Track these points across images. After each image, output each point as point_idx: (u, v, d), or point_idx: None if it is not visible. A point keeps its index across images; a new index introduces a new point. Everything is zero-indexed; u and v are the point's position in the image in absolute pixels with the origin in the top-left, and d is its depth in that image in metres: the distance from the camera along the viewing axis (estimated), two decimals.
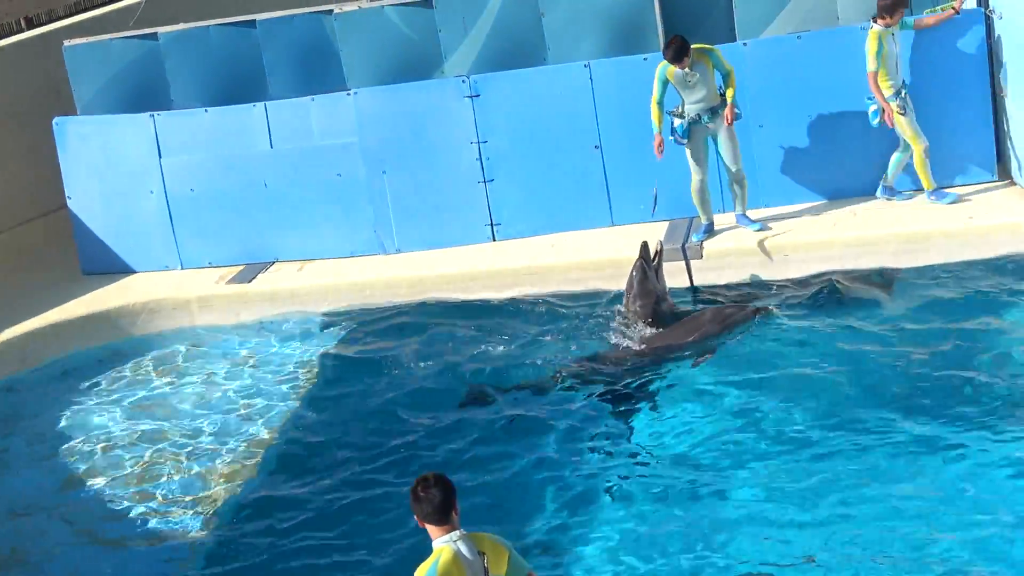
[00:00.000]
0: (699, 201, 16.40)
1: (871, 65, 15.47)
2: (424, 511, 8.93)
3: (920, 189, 16.17)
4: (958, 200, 15.99)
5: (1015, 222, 15.64)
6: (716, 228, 16.51)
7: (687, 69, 15.80)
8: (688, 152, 16.20)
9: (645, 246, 15.38)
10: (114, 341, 17.14)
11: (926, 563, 11.29)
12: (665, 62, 15.85)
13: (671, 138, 16.14)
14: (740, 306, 15.27)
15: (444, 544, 8.89)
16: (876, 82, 15.55)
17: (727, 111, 15.91)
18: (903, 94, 15.67)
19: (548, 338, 15.70)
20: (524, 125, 17.12)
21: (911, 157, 15.90)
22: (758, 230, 16.36)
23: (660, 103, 15.93)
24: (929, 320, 14.76)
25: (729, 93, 15.92)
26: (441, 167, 17.34)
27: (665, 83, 15.91)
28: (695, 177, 16.28)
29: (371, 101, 17.40)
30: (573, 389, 14.53)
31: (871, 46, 15.43)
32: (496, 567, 9.03)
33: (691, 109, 16.01)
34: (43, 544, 13.06)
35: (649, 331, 15.03)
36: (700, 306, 15.91)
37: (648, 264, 15.37)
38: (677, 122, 16.05)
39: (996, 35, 15.94)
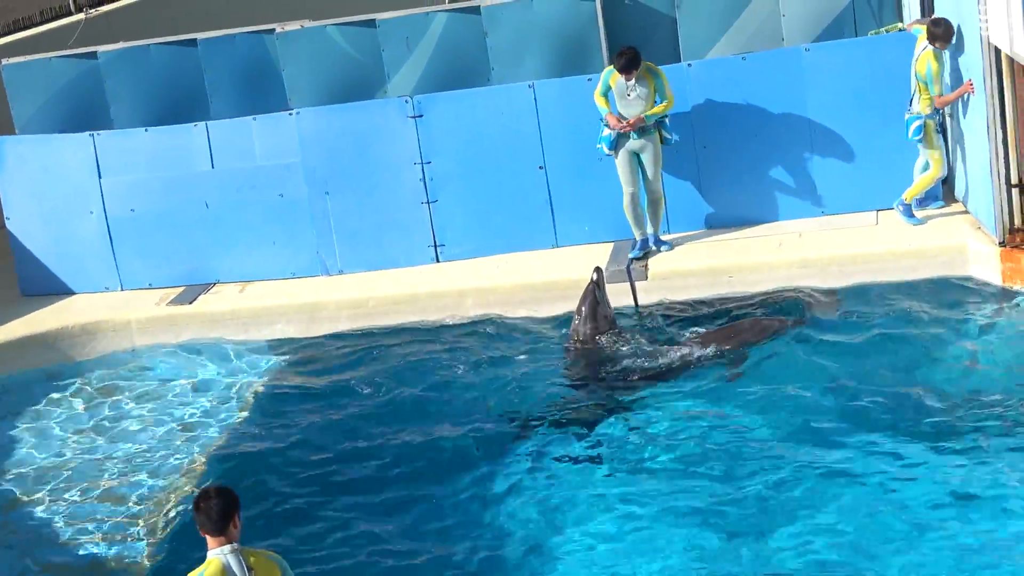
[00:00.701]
0: (631, 217, 16.47)
1: (936, 88, 15.43)
2: (201, 522, 9.26)
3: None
4: (922, 223, 16.09)
5: (958, 244, 15.73)
6: (663, 249, 16.54)
7: (631, 82, 15.88)
8: (618, 168, 16.30)
9: (599, 271, 15.48)
10: (53, 363, 17.00)
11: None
12: (610, 68, 16.05)
13: (598, 146, 16.28)
14: (777, 318, 15.27)
15: (215, 556, 9.24)
16: (943, 99, 15.62)
17: (635, 119, 16.00)
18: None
19: (495, 358, 15.74)
20: (468, 145, 17.09)
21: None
22: (667, 251, 16.52)
23: (604, 96, 16.13)
24: (868, 341, 14.88)
25: (657, 109, 16.05)
26: (384, 188, 17.28)
27: (607, 87, 16.06)
28: (626, 192, 16.36)
29: (314, 121, 17.33)
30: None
31: (934, 68, 15.36)
32: None
33: (627, 118, 16.10)
34: None
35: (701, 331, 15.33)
36: (639, 325, 15.99)
37: (601, 289, 15.44)
38: (606, 132, 16.13)
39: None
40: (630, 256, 16.46)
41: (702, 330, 15.24)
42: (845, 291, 15.79)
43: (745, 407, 14.23)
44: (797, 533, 12.30)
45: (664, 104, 16.03)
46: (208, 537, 9.33)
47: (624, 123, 15.99)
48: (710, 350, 14.74)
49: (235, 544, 9.36)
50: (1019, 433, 13.09)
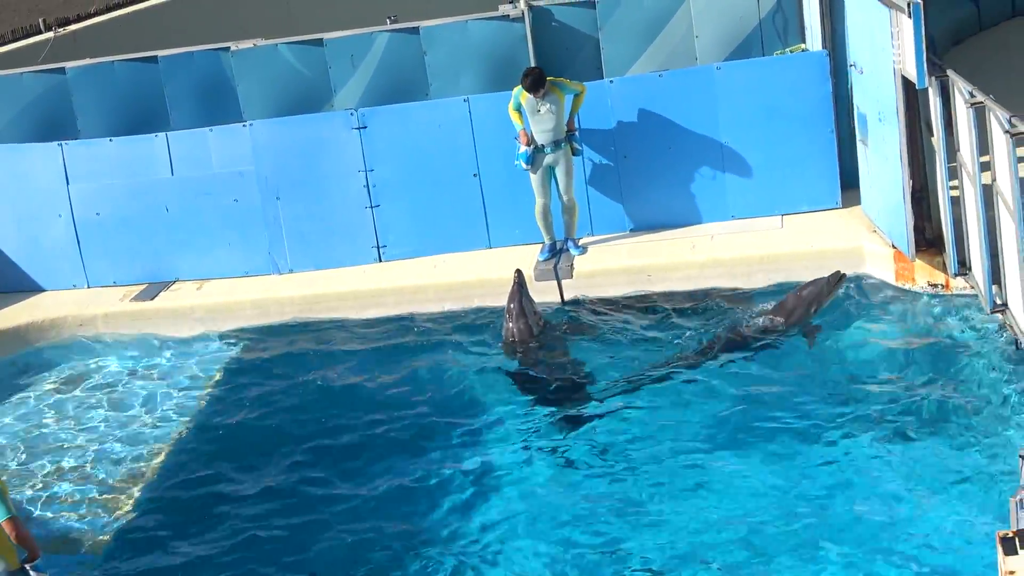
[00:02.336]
0: (542, 224, 16.63)
1: None
2: None
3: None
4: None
5: (855, 247, 15.98)
6: (577, 253, 16.66)
7: (539, 100, 16.00)
8: (532, 179, 16.39)
9: (519, 274, 15.64)
10: (22, 355, 17.05)
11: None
12: (520, 87, 16.07)
13: (515, 163, 16.38)
14: (814, 281, 15.22)
15: None
16: None
17: (565, 136, 16.21)
18: None
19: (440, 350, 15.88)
20: (408, 155, 17.15)
21: None
22: (581, 254, 16.62)
23: (517, 111, 16.20)
24: (773, 340, 15.05)
25: (577, 104, 16.27)
26: (331, 194, 17.33)
27: (519, 103, 16.15)
28: (538, 202, 16.50)
29: (266, 132, 17.36)
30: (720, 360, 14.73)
31: None
32: None
33: (537, 137, 16.19)
34: None
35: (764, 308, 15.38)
36: (569, 319, 16.18)
37: (524, 289, 15.61)
38: (522, 148, 16.23)
39: (850, 85, 16.16)
40: (538, 258, 16.60)
41: (767, 306, 15.29)
42: (753, 290, 15.92)
43: (669, 383, 14.44)
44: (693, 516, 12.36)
45: (579, 95, 16.19)
46: None
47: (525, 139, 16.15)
48: (780, 325, 14.92)
49: None
50: (892, 416, 13.29)
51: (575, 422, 14.26)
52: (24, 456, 14.87)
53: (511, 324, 15.60)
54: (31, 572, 10.45)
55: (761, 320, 15.10)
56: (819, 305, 15.07)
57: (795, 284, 15.66)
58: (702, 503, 12.57)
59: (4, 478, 12.82)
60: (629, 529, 12.38)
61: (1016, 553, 6.89)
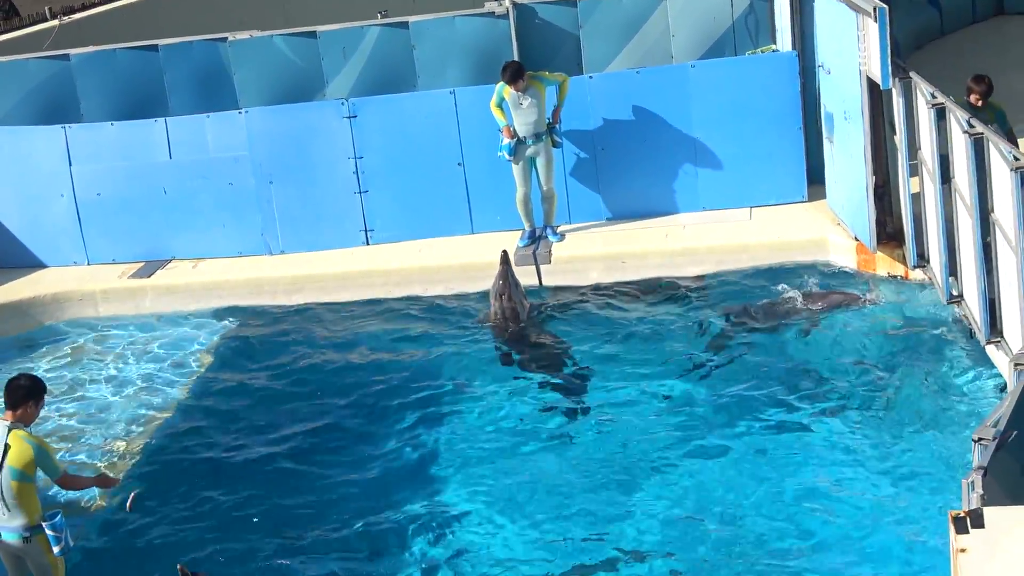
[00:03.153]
0: (522, 211, 16.76)
1: None
2: (5, 396, 10.36)
3: None
4: None
5: (819, 238, 16.14)
6: (555, 240, 16.80)
7: (520, 92, 16.12)
8: (513, 169, 16.52)
9: (505, 254, 15.68)
10: (25, 329, 17.07)
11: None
12: (502, 82, 16.18)
13: (499, 154, 16.48)
14: (844, 293, 15.27)
15: None
16: None
17: (547, 129, 16.32)
18: None
19: (420, 330, 15.93)
20: (396, 143, 17.24)
21: None
22: (558, 241, 16.75)
23: (500, 106, 16.29)
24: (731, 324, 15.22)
25: (562, 94, 16.36)
26: (322, 179, 17.41)
27: (501, 98, 16.25)
28: (519, 190, 16.64)
29: (260, 119, 17.43)
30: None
31: None
32: (14, 460, 10.13)
33: (519, 130, 16.30)
34: None
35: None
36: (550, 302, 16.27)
37: (510, 271, 15.69)
38: (505, 140, 16.32)
39: (818, 85, 16.27)
40: (518, 244, 16.68)
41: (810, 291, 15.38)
42: (721, 274, 16.05)
43: (644, 363, 14.53)
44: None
45: (562, 85, 16.27)
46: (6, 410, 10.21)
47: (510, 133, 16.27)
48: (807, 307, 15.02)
49: (13, 424, 10.22)
50: (859, 392, 13.46)
51: (559, 398, 14.40)
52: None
53: (497, 304, 15.66)
54: (47, 528, 10.55)
55: (797, 302, 15.23)
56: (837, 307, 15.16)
57: (764, 270, 15.96)
58: (671, 480, 12.69)
59: None
60: (602, 501, 12.49)
61: (967, 532, 7.01)
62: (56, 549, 10.46)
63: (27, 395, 10.41)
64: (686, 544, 11.77)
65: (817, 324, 14.88)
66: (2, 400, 10.70)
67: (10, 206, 17.98)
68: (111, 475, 10.77)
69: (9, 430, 10.23)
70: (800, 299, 15.18)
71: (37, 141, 17.81)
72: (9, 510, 10.37)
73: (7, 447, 10.18)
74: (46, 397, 13.10)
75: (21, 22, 19.86)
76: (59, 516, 10.42)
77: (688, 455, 13.03)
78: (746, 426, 13.34)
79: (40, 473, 10.39)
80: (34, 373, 15.53)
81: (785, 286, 15.46)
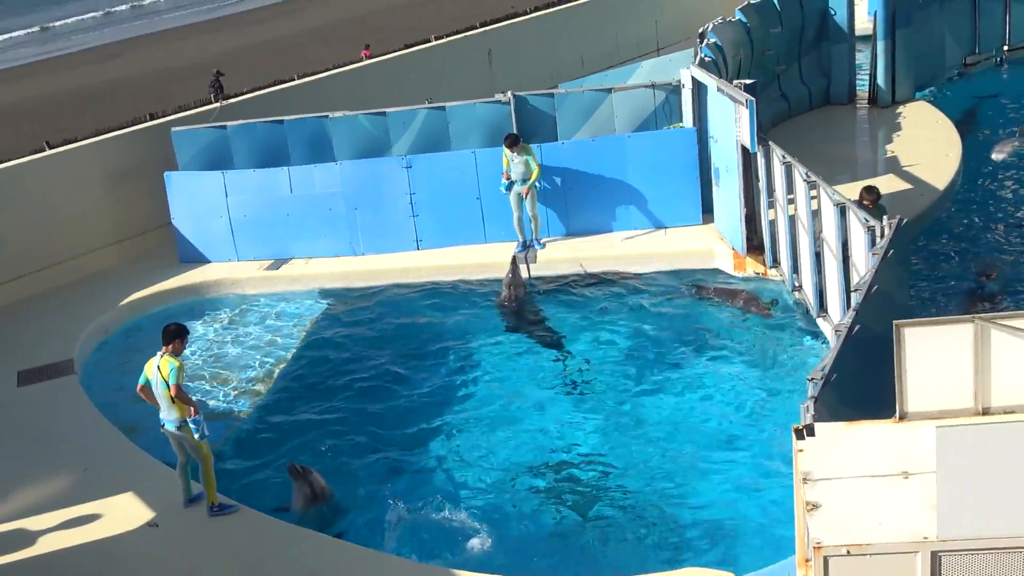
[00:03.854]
0: (517, 228, 16.61)
1: None
2: (163, 335, 10.63)
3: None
4: None
5: (709, 248, 16.05)
6: (538, 247, 16.63)
7: (514, 154, 16.10)
8: (510, 200, 16.43)
9: (514, 258, 15.84)
10: (196, 302, 17.00)
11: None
12: (505, 146, 16.22)
13: (500, 189, 16.41)
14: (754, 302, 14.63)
15: (154, 356, 10.60)
16: None
17: (524, 188, 16.22)
18: None
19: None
20: (437, 184, 17.13)
21: None
22: (541, 248, 16.58)
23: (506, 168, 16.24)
24: (652, 304, 15.14)
25: (533, 176, 16.17)
26: (388, 207, 17.29)
27: (504, 157, 16.21)
28: (514, 214, 16.52)
29: (349, 168, 17.35)
30: None
31: None
32: (165, 375, 10.54)
33: (513, 175, 16.26)
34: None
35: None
36: (537, 289, 16.11)
37: (517, 267, 15.69)
38: (504, 180, 16.32)
39: (709, 150, 16.20)
40: (515, 250, 16.48)
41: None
42: (646, 274, 15.87)
43: (597, 326, 14.57)
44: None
45: (535, 172, 16.10)
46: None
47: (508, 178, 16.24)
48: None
49: (166, 353, 10.57)
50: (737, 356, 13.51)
51: (542, 349, 14.50)
52: (199, 364, 15.00)
53: (506, 291, 15.60)
54: (190, 422, 10.71)
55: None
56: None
57: (675, 271, 15.80)
58: (620, 399, 12.82)
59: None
60: (561, 412, 12.67)
61: (803, 439, 7.12)
62: (197, 435, 10.66)
63: (174, 335, 10.71)
64: (621, 449, 11.86)
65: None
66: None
67: (188, 223, 17.90)
68: (194, 409, 10.75)
69: (162, 356, 10.50)
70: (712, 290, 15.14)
71: (205, 182, 17.76)
72: (167, 409, 10.62)
73: (158, 368, 10.52)
74: (205, 349, 13.22)
75: (225, 97, 19.85)
76: (199, 415, 10.72)
77: (625, 385, 13.13)
78: (661, 368, 13.43)
79: (176, 381, 10.63)
80: (199, 331, 15.80)
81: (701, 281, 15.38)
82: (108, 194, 18.06)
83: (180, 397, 10.63)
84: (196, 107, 19.11)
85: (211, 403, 13.84)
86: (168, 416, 10.79)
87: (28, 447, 12.80)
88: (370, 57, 22.85)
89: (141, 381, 10.83)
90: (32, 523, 11.17)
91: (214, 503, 10.91)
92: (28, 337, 15.71)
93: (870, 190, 13.65)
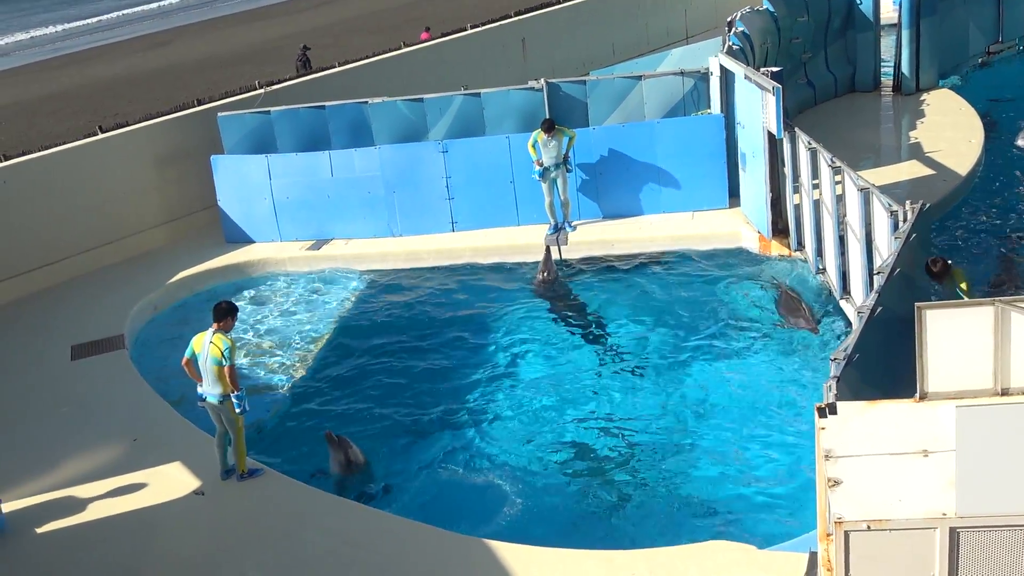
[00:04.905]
0: (549, 211, 16.58)
1: None
2: (215, 312, 10.62)
3: None
4: None
5: (735, 231, 15.96)
6: (570, 229, 16.57)
7: (549, 137, 16.02)
8: (542, 185, 16.39)
9: (548, 247, 15.87)
10: (242, 280, 17.07)
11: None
12: (539, 130, 16.15)
13: (533, 176, 16.35)
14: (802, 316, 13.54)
15: (205, 331, 10.58)
16: None
17: (563, 160, 16.13)
18: None
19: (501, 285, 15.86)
20: (472, 169, 17.11)
21: None
22: (572, 231, 16.53)
23: (534, 146, 16.16)
24: (681, 283, 15.15)
25: (571, 142, 16.09)
26: (425, 189, 17.28)
27: (535, 141, 16.13)
28: (546, 199, 16.48)
29: (388, 153, 17.34)
30: None
31: None
32: (215, 351, 10.42)
33: (545, 161, 16.18)
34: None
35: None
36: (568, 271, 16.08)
37: (550, 255, 15.72)
38: (537, 167, 16.22)
39: (736, 136, 16.08)
40: (547, 232, 16.49)
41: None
42: (674, 251, 15.82)
43: (626, 305, 14.61)
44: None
45: (570, 139, 16.07)
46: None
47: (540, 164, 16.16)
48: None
49: (217, 331, 10.55)
50: (755, 335, 13.44)
51: (576, 328, 14.47)
52: (244, 340, 14.91)
53: (542, 275, 15.61)
54: (232, 397, 10.77)
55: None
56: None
57: (700, 252, 15.70)
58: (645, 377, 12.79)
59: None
60: (586, 385, 12.68)
61: (826, 417, 7.07)
62: (238, 410, 10.70)
63: (226, 312, 10.75)
64: (651, 424, 11.84)
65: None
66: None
67: (234, 205, 17.93)
68: (238, 386, 10.77)
69: (214, 333, 10.46)
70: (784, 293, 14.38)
71: (250, 165, 17.79)
72: (212, 383, 10.65)
73: (211, 344, 10.41)
74: (251, 323, 13.22)
75: (311, 72, 20.05)
76: (242, 391, 10.76)
77: (655, 363, 13.09)
78: (689, 347, 13.37)
79: (231, 361, 10.68)
80: (244, 308, 15.79)
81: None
82: (157, 176, 18.16)
83: (232, 375, 10.68)
84: (242, 93, 19.16)
85: (253, 378, 13.92)
86: (212, 390, 10.84)
87: (80, 418, 12.92)
88: (431, 39, 22.63)
89: (187, 354, 10.89)
90: (83, 491, 11.28)
91: (244, 471, 11.03)
92: (81, 313, 15.86)
93: (935, 262, 11.32)
